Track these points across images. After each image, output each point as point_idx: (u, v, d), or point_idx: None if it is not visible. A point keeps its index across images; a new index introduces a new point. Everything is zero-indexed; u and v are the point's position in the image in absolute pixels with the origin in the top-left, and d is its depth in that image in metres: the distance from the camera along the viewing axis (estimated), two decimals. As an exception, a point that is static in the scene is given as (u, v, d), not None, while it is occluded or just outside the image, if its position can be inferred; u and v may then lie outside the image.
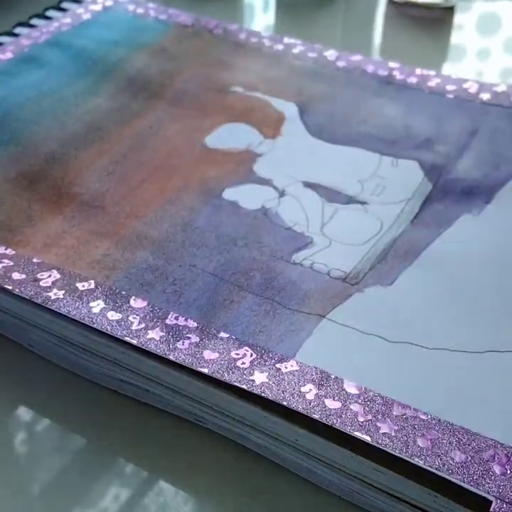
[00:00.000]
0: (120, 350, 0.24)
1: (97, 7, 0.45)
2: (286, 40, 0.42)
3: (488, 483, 0.19)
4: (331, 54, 0.41)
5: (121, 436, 0.24)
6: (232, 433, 0.23)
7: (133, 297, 0.25)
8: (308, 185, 0.31)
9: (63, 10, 0.45)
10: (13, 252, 0.27)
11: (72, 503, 0.22)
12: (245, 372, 0.22)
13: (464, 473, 0.19)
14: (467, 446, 0.20)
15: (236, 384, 0.22)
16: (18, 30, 0.42)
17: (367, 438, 0.20)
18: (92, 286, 0.25)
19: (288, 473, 0.22)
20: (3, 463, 0.23)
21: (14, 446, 0.24)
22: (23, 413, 0.25)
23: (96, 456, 0.23)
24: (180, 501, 0.22)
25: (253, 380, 0.22)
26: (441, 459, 0.20)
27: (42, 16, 0.44)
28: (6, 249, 0.27)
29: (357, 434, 0.20)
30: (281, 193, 0.31)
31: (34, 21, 0.43)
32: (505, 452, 0.20)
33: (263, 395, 0.21)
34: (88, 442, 0.24)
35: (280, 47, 0.42)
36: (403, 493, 0.20)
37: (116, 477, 0.23)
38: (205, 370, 0.22)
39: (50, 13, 0.44)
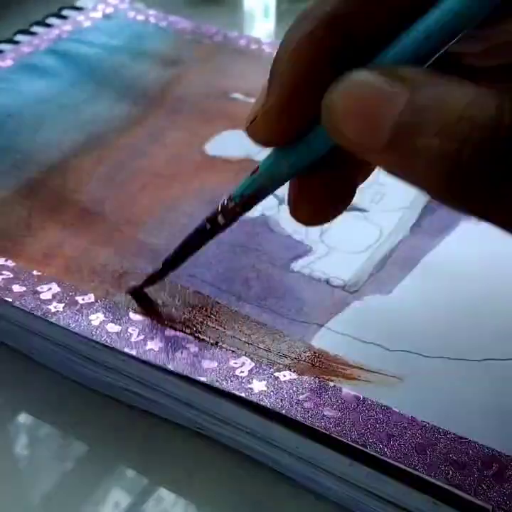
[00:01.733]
0: (120, 358, 0.24)
1: (98, 14, 0.45)
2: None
3: (486, 491, 0.19)
4: None
5: (122, 443, 0.24)
6: (233, 440, 0.23)
7: (132, 310, 0.25)
8: (308, 192, 0.31)
9: (64, 17, 0.45)
10: (14, 264, 0.27)
11: (73, 511, 0.22)
12: (244, 380, 0.22)
13: (462, 481, 0.19)
14: (465, 454, 0.20)
15: (234, 392, 0.22)
16: (18, 37, 0.42)
17: (365, 448, 0.20)
18: (92, 299, 0.25)
19: (288, 481, 0.22)
20: (3, 470, 0.23)
21: (14, 453, 0.24)
22: (23, 420, 0.25)
23: (96, 463, 0.23)
24: (180, 509, 0.22)
25: (251, 388, 0.22)
26: (439, 468, 0.20)
27: (42, 24, 0.44)
28: (6, 260, 0.27)
29: (354, 443, 0.20)
30: (281, 201, 0.31)
31: (35, 29, 0.43)
32: (503, 460, 0.20)
33: (261, 403, 0.21)
34: (88, 450, 0.24)
35: (280, 53, 0.42)
36: (403, 500, 0.20)
37: (116, 485, 0.23)
38: (204, 379, 0.22)
39: (50, 20, 0.44)
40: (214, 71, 0.40)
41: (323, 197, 0.20)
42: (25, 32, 0.43)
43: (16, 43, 0.42)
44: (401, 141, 0.15)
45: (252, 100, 0.37)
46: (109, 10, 0.46)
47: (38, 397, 0.25)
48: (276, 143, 0.19)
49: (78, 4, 0.46)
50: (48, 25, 0.44)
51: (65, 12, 0.45)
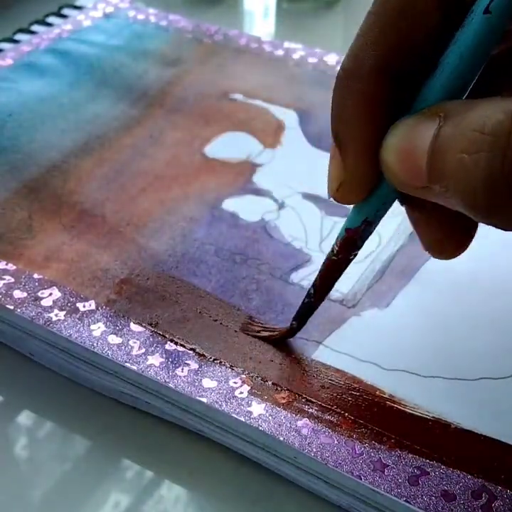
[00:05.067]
0: (121, 368, 0.24)
1: (98, 14, 0.45)
2: (286, 45, 0.42)
3: None
4: (331, 58, 0.41)
5: (122, 443, 0.24)
6: (233, 446, 0.23)
7: (133, 321, 0.25)
8: (307, 196, 0.31)
9: (64, 16, 0.45)
10: (14, 267, 0.27)
11: (73, 510, 0.22)
12: (243, 402, 0.22)
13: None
14: (456, 485, 0.20)
15: (234, 416, 0.22)
16: (18, 36, 0.42)
17: (359, 479, 0.20)
18: (93, 307, 0.25)
19: (288, 481, 0.22)
20: (4, 469, 0.23)
21: (14, 453, 0.24)
22: (23, 420, 0.25)
23: (96, 463, 0.23)
24: (180, 509, 0.22)
25: (251, 412, 0.22)
26: (431, 499, 0.20)
27: (42, 23, 0.44)
28: (6, 264, 0.27)
29: (349, 475, 0.20)
30: (281, 205, 0.31)
31: (34, 28, 0.43)
32: (493, 492, 0.20)
33: (260, 428, 0.21)
34: (88, 449, 0.24)
35: (280, 52, 0.42)
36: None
37: (117, 484, 0.23)
38: (204, 400, 0.22)
39: (50, 19, 0.44)
40: (214, 71, 0.40)
41: (447, 227, 0.20)
42: (25, 31, 0.43)
43: (16, 41, 0.42)
44: (436, 163, 0.16)
45: (252, 101, 0.37)
46: (110, 9, 0.46)
47: (38, 397, 0.25)
48: (359, 200, 0.20)
49: (78, 3, 0.46)
50: (48, 25, 0.44)
51: (65, 11, 0.45)
